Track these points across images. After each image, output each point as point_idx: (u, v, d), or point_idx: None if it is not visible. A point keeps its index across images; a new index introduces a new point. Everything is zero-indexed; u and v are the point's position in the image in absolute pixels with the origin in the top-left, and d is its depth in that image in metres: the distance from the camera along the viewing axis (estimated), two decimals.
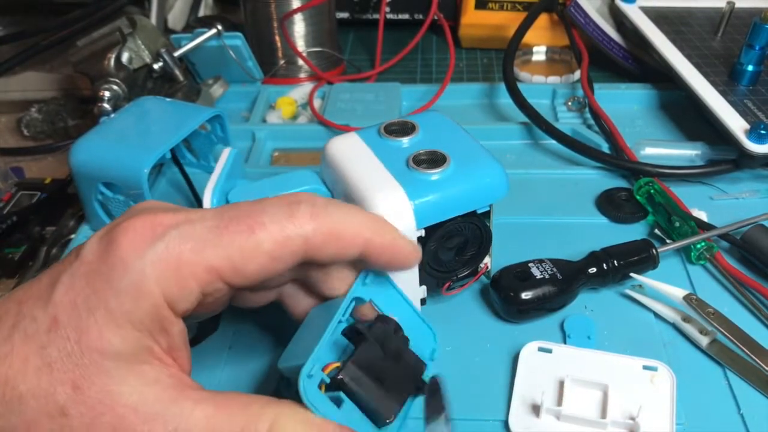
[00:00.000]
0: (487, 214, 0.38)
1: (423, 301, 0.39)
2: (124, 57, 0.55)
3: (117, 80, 0.54)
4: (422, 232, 0.36)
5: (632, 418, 0.33)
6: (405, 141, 0.38)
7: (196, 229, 0.26)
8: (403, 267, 0.31)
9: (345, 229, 0.28)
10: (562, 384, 0.35)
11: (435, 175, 0.36)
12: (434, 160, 0.37)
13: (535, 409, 0.34)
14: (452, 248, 0.38)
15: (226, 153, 0.43)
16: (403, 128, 0.39)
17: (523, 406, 0.35)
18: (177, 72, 0.58)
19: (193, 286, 0.26)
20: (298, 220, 0.27)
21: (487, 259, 0.40)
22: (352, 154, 0.38)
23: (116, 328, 0.25)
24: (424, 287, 0.38)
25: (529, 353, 0.37)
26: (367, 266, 0.31)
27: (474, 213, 0.37)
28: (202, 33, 0.60)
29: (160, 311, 0.26)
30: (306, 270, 0.31)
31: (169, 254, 0.25)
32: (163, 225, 0.26)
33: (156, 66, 0.57)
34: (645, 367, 0.36)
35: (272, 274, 0.27)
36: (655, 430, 0.33)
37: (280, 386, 0.33)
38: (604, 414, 0.34)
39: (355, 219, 0.29)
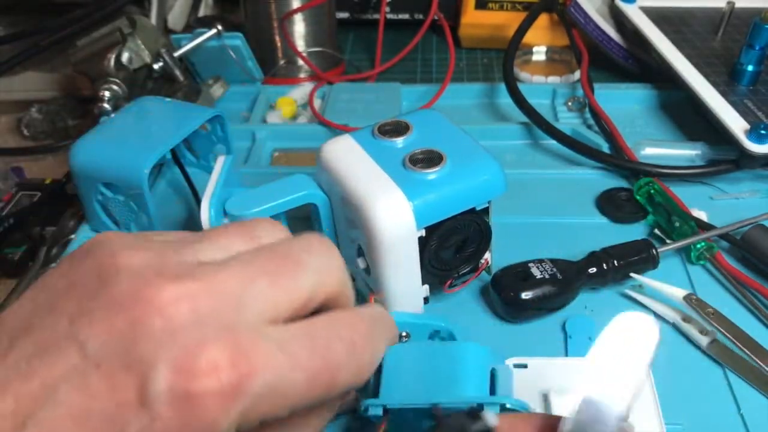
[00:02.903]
0: (485, 211, 0.38)
1: (426, 300, 0.39)
2: (124, 57, 0.55)
3: (117, 80, 0.54)
4: (423, 232, 0.36)
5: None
6: (399, 141, 0.38)
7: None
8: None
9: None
10: (546, 397, 0.34)
11: (432, 174, 0.36)
12: (430, 159, 0.36)
13: None
14: (452, 246, 0.38)
15: (221, 161, 0.43)
16: (397, 128, 0.39)
17: None
18: (177, 72, 0.58)
19: None
20: None
21: (487, 255, 0.40)
22: (348, 156, 0.38)
23: None
24: (426, 286, 0.38)
25: None
26: None
27: (473, 210, 0.37)
28: (202, 33, 0.60)
29: None
30: None
31: None
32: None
33: (156, 66, 0.57)
34: None
35: None
36: (645, 426, 0.33)
37: None
38: None
39: None
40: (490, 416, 0.24)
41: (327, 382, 0.23)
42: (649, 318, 0.24)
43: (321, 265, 0.26)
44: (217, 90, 0.63)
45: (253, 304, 0.23)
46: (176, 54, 0.58)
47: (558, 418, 0.24)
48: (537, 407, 0.34)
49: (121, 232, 0.25)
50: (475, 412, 0.24)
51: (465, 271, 0.39)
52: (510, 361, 0.37)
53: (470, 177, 0.36)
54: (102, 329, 0.21)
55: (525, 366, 0.36)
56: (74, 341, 0.21)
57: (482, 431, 0.24)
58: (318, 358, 0.23)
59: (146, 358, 0.21)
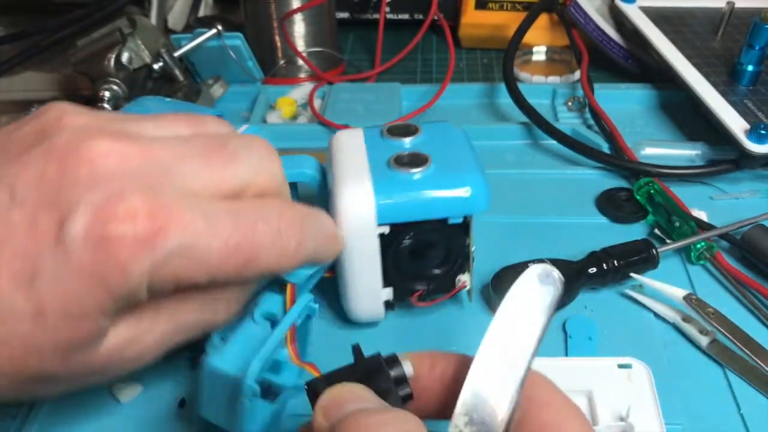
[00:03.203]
0: (464, 229, 0.37)
1: (389, 305, 0.38)
2: (124, 57, 0.55)
3: (117, 80, 0.54)
4: (386, 229, 0.35)
5: (622, 419, 0.33)
6: (402, 141, 0.38)
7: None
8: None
9: None
10: None
11: (410, 175, 0.35)
12: (414, 162, 0.36)
13: None
14: (423, 256, 0.37)
15: (241, 131, 0.43)
16: (405, 131, 0.39)
17: None
18: (177, 72, 0.58)
19: None
20: None
21: (465, 277, 0.38)
22: (347, 147, 0.38)
23: None
24: (389, 290, 0.37)
25: None
26: None
27: (445, 222, 0.36)
28: (202, 33, 0.60)
29: None
30: None
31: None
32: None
33: (156, 66, 0.57)
34: (620, 366, 0.35)
35: None
36: (645, 427, 0.33)
37: None
38: (595, 420, 0.33)
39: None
40: (408, 366, 0.25)
41: (246, 257, 0.24)
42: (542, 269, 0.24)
43: (256, 162, 0.27)
44: (217, 90, 0.63)
45: (181, 177, 0.24)
46: (176, 54, 0.58)
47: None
48: None
49: (74, 104, 0.26)
50: (394, 358, 0.25)
51: (434, 288, 0.38)
52: None
53: (446, 186, 0.35)
54: (33, 174, 0.22)
55: None
56: (4, 183, 0.22)
57: (400, 376, 0.24)
58: (240, 233, 0.24)
59: (69, 200, 0.22)
